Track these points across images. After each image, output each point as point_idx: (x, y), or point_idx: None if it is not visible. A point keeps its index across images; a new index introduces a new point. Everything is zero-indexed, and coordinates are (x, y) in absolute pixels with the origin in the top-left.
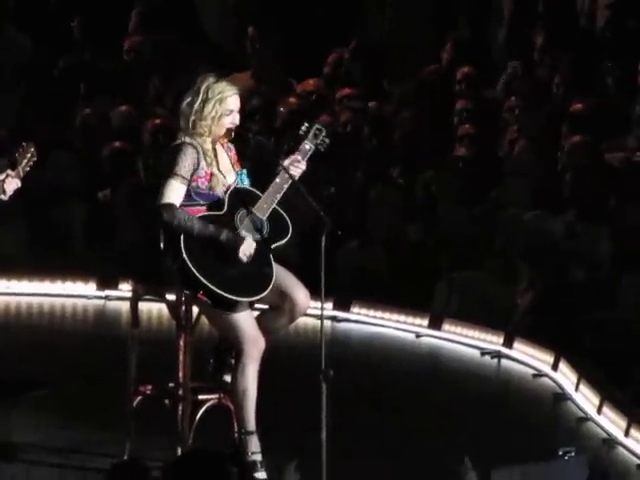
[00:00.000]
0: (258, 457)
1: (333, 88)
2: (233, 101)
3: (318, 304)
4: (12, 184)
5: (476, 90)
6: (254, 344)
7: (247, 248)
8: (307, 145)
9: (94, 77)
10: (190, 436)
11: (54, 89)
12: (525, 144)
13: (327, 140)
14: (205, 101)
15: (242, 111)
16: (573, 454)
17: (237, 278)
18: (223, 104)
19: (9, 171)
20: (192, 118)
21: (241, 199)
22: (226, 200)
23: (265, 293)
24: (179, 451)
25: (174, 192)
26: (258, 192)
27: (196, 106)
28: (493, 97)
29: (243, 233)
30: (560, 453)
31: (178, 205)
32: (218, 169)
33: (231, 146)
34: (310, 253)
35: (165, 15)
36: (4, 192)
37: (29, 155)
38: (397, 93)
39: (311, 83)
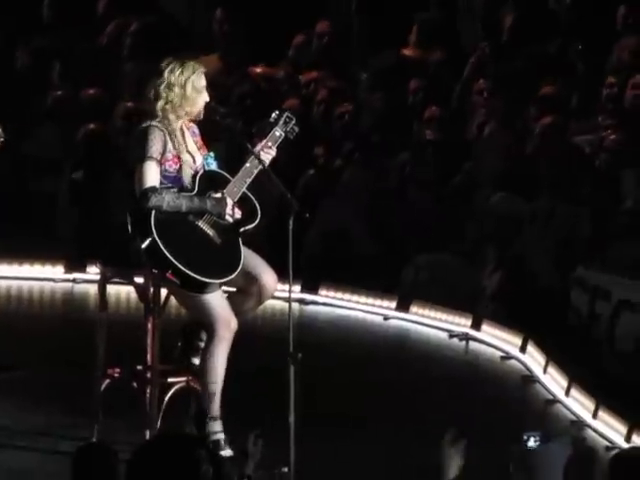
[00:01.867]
0: (221, 436)
1: (298, 71)
2: (200, 79)
3: (286, 287)
4: None
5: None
6: (226, 325)
7: (229, 204)
8: (277, 132)
9: (66, 59)
10: (158, 419)
11: (22, 73)
12: (494, 126)
13: (297, 128)
14: (185, 82)
15: (215, 94)
16: (538, 438)
17: (206, 260)
18: (196, 83)
19: None
20: (175, 101)
21: (211, 181)
22: (196, 182)
23: (234, 275)
24: (147, 434)
25: (152, 175)
26: (228, 175)
27: (177, 89)
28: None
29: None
30: (525, 437)
31: (158, 186)
32: (186, 152)
33: (196, 130)
34: (278, 236)
35: None
36: None
37: None
38: (364, 76)
39: (267, 69)
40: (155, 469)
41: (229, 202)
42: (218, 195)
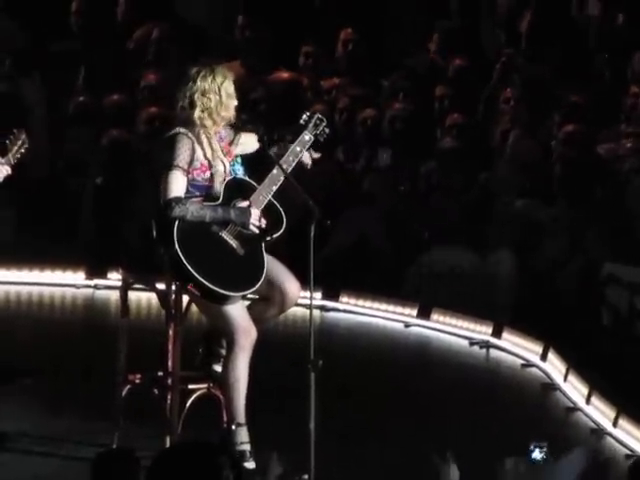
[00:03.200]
0: (247, 447)
1: (316, 78)
2: (229, 84)
3: (307, 294)
4: (2, 171)
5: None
6: (246, 334)
7: (256, 218)
8: (307, 136)
9: (89, 64)
10: (179, 425)
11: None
12: (519, 133)
13: (327, 130)
14: (219, 88)
15: (241, 101)
16: (545, 449)
17: (228, 271)
18: (228, 88)
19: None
20: (213, 107)
21: (237, 190)
22: (222, 191)
23: (255, 288)
24: (168, 440)
25: (178, 184)
26: (254, 183)
27: (212, 95)
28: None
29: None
30: (531, 448)
31: (183, 196)
32: (213, 159)
33: (223, 136)
34: (299, 242)
35: (155, 4)
36: None
37: (20, 142)
38: (386, 84)
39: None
40: (175, 476)
41: (254, 212)
42: (244, 204)
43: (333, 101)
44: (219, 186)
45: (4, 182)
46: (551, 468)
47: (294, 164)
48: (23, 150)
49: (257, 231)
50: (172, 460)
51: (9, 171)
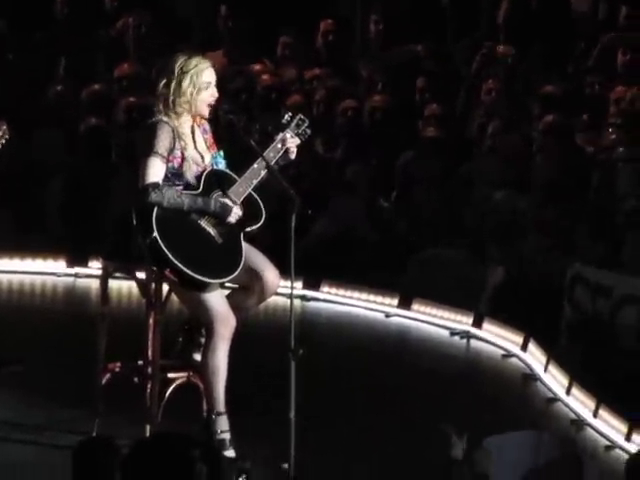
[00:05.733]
0: (227, 436)
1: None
2: (209, 73)
3: (288, 283)
4: None
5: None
6: (225, 323)
7: (236, 213)
8: (288, 134)
9: (71, 54)
10: (159, 414)
11: (28, 65)
12: (499, 124)
13: (309, 131)
14: (181, 77)
15: (222, 91)
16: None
17: (207, 258)
18: (200, 77)
19: None
20: (171, 97)
21: (217, 181)
22: (202, 181)
23: (233, 276)
24: (147, 429)
25: (156, 170)
26: (234, 175)
27: (173, 84)
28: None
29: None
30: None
31: (160, 183)
32: (195, 150)
33: (207, 128)
34: (280, 232)
35: None
36: None
37: (0, 133)
38: (365, 74)
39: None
40: (149, 469)
41: (235, 210)
42: (226, 201)
43: (312, 92)
44: (192, 176)
45: None
46: (535, 443)
47: (275, 160)
48: (4, 141)
49: (234, 222)
50: (146, 453)
51: None
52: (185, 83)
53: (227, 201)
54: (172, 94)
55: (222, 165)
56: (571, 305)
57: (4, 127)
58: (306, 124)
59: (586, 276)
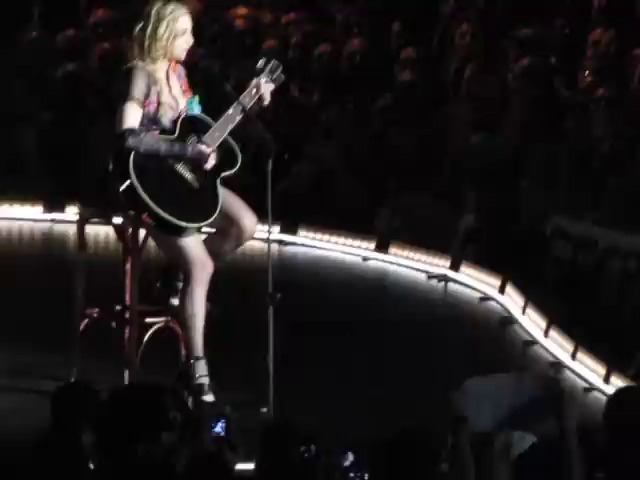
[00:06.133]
0: (205, 380)
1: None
2: (185, 20)
3: (265, 227)
4: None
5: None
6: (202, 268)
7: (212, 158)
8: (263, 79)
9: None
10: (137, 359)
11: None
12: (475, 68)
13: (283, 76)
14: (157, 23)
15: (198, 36)
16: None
17: (184, 203)
18: (176, 23)
19: None
20: (147, 42)
21: (193, 126)
22: (178, 125)
23: (210, 220)
24: (126, 374)
25: (133, 115)
26: (210, 120)
27: (149, 30)
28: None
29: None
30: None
31: (137, 128)
32: (170, 95)
33: (182, 73)
34: (257, 177)
35: None
36: None
37: None
38: (341, 18)
39: (243, 10)
40: (124, 419)
41: (212, 156)
42: (203, 147)
43: (287, 36)
44: (168, 121)
45: None
46: (516, 384)
47: (250, 105)
48: None
49: (209, 168)
50: (121, 403)
51: None
52: (161, 29)
53: (203, 147)
54: (148, 39)
55: (197, 110)
56: (552, 259)
57: None
58: (280, 69)
59: (566, 229)
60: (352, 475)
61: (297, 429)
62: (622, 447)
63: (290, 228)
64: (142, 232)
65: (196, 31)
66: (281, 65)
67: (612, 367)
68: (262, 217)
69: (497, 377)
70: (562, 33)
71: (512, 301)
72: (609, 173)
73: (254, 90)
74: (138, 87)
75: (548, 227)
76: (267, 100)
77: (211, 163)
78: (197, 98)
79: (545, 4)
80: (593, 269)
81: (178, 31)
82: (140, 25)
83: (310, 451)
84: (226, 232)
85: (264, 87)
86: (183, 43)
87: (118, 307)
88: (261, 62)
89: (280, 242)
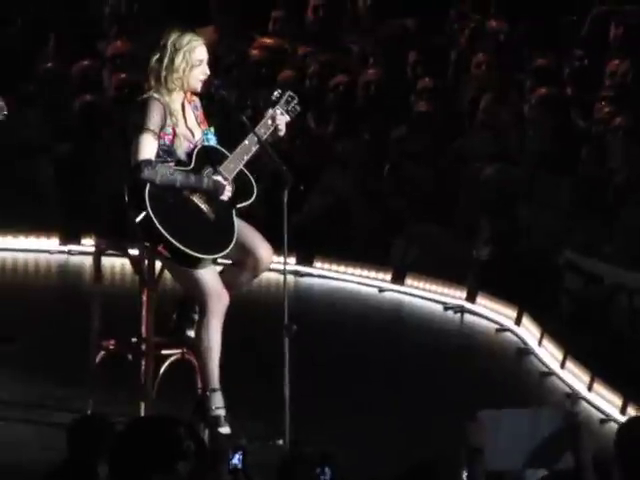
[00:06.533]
0: (222, 412)
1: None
2: (202, 51)
3: (281, 259)
4: None
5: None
6: (218, 299)
7: (228, 191)
8: (278, 110)
9: (60, 31)
10: (153, 391)
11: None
12: (491, 98)
13: (298, 108)
14: (174, 54)
15: (214, 66)
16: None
17: (199, 234)
18: (193, 54)
19: None
20: (163, 73)
21: (208, 157)
22: (193, 157)
23: (226, 252)
24: (142, 406)
25: (148, 147)
26: (225, 151)
27: (166, 60)
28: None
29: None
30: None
31: (153, 160)
32: (186, 126)
33: (198, 104)
34: (273, 208)
35: None
36: None
37: None
38: (357, 48)
39: (269, 40)
40: (139, 450)
41: (228, 188)
42: (219, 178)
43: (304, 67)
44: (184, 153)
45: None
46: (532, 419)
47: (265, 137)
48: (1, 117)
49: (226, 199)
50: (135, 435)
51: None
52: (178, 60)
53: (219, 178)
54: (164, 70)
55: (213, 141)
56: (565, 292)
57: (1, 103)
58: (295, 101)
59: (576, 262)
60: None
61: (313, 460)
62: (635, 476)
63: (306, 259)
64: (158, 264)
65: (212, 61)
66: (296, 97)
67: (628, 398)
68: (278, 248)
69: (512, 410)
70: (579, 64)
71: (528, 332)
72: (622, 206)
73: (269, 121)
74: (153, 119)
75: (560, 259)
76: (282, 131)
77: (227, 195)
78: (213, 129)
79: (561, 34)
80: (604, 302)
81: (194, 62)
82: (156, 56)
83: (325, 474)
84: (242, 263)
85: (279, 118)
86: (199, 74)
87: (134, 339)
88: (276, 93)
89: (296, 273)
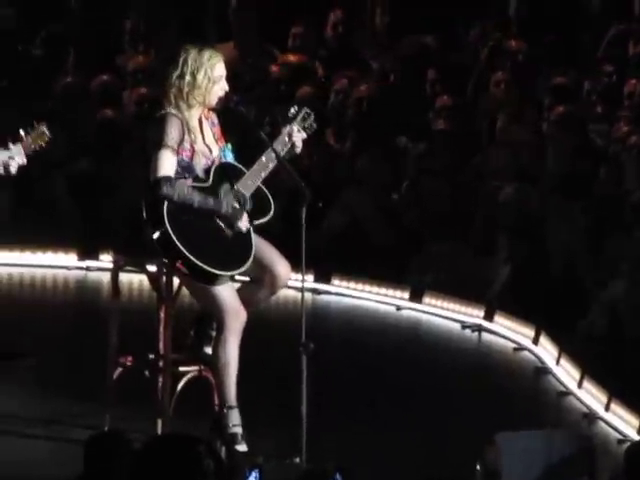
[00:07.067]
0: (239, 430)
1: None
2: (221, 67)
3: (299, 276)
4: (17, 161)
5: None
6: (235, 316)
7: (246, 223)
8: (295, 127)
9: (80, 46)
10: (170, 408)
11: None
12: (510, 116)
13: (315, 125)
14: (196, 70)
15: (233, 83)
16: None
17: (217, 251)
18: (214, 70)
19: (13, 147)
20: (185, 90)
21: (226, 174)
22: (211, 174)
23: (244, 268)
24: (159, 423)
25: (167, 164)
26: (243, 168)
27: (188, 77)
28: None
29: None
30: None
31: (173, 176)
32: (203, 143)
33: (215, 121)
34: (291, 225)
35: None
36: (7, 169)
37: (39, 133)
38: (376, 65)
39: (292, 57)
40: (159, 469)
41: (245, 217)
42: (237, 205)
43: (324, 84)
44: (201, 169)
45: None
46: (546, 441)
47: (282, 153)
48: (42, 143)
49: (244, 231)
50: (155, 453)
51: (24, 161)
52: (200, 76)
53: (237, 206)
54: (187, 86)
55: (230, 158)
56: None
57: (43, 129)
58: (312, 118)
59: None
60: None
61: (327, 475)
62: None
63: (324, 277)
64: (176, 280)
65: (231, 78)
66: (313, 113)
67: None
68: (296, 266)
69: (528, 433)
70: (607, 80)
71: (546, 351)
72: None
73: (286, 138)
74: (172, 135)
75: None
76: (299, 148)
77: (245, 225)
78: (230, 146)
79: (580, 53)
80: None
81: (215, 78)
82: (177, 72)
83: None
84: (260, 280)
85: (296, 135)
86: (219, 90)
87: (151, 355)
88: (293, 110)
89: (314, 291)
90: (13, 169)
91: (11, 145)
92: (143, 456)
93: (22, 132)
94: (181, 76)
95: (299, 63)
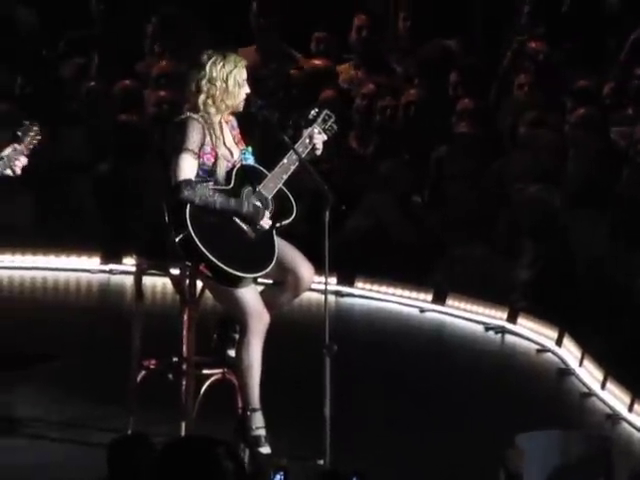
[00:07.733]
0: (262, 432)
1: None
2: (245, 71)
3: (322, 279)
4: (20, 161)
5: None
6: (258, 319)
7: (267, 222)
8: (316, 129)
9: (103, 50)
10: (194, 411)
11: (58, 63)
12: (533, 119)
13: (335, 126)
14: (227, 76)
15: (255, 87)
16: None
17: (240, 253)
18: (241, 75)
19: (16, 145)
20: (217, 94)
21: (248, 176)
22: (233, 176)
23: (267, 270)
24: (183, 426)
25: (188, 167)
26: (265, 170)
27: (219, 82)
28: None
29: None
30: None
31: (193, 179)
32: (224, 146)
33: (234, 124)
34: (314, 228)
35: None
36: (12, 168)
37: (33, 133)
38: (400, 69)
39: (317, 62)
40: (178, 470)
41: (267, 215)
42: (258, 204)
43: (349, 87)
44: (223, 173)
45: (22, 171)
46: (562, 441)
47: (304, 154)
48: (35, 141)
49: (266, 228)
50: (174, 456)
51: (26, 161)
52: (231, 82)
53: (259, 204)
54: (218, 91)
55: (251, 161)
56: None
57: (36, 128)
58: (333, 120)
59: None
60: None
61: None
62: None
63: (347, 279)
64: (199, 283)
65: (253, 82)
66: (333, 116)
67: None
68: (319, 268)
69: (547, 434)
70: (630, 84)
71: (569, 353)
72: None
73: (307, 140)
74: (193, 138)
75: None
76: (319, 150)
77: (267, 223)
78: (250, 149)
79: (604, 56)
80: None
81: (235, 83)
82: (206, 78)
83: None
84: (283, 283)
85: (317, 137)
86: (240, 95)
87: (175, 358)
88: (313, 112)
89: (337, 293)
90: (18, 169)
91: (16, 146)
92: (162, 458)
93: (19, 133)
94: (211, 81)
95: (325, 68)
